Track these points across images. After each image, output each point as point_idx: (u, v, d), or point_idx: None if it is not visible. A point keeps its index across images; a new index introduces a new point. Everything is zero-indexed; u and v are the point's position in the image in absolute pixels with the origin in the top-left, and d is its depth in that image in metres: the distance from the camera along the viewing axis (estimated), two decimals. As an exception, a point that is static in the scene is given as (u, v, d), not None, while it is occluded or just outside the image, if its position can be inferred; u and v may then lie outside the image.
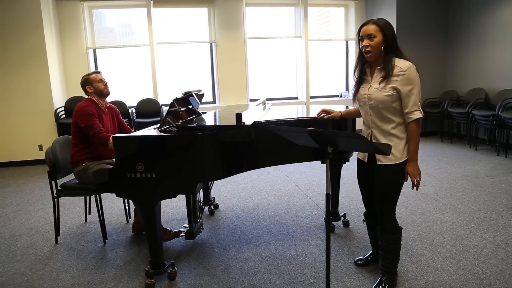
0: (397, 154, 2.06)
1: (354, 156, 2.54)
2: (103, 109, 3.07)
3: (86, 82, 3.03)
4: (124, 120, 3.36)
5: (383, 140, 2.07)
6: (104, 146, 2.88)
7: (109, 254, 2.87)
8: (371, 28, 2.00)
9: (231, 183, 4.56)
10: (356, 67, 2.19)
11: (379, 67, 2.05)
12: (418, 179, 2.06)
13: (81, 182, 2.97)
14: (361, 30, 2.05)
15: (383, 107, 2.03)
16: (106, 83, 3.07)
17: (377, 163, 2.12)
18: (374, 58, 2.05)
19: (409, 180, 2.09)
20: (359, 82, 2.17)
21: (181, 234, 3.04)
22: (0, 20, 5.63)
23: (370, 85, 2.09)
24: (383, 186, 2.12)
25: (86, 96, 3.05)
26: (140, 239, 3.11)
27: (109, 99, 3.17)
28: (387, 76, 1.99)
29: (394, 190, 2.12)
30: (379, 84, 2.03)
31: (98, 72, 3.09)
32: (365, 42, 2.01)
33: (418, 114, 2.00)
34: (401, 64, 1.99)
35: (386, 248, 2.19)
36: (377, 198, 2.16)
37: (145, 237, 2.50)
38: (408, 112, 2.00)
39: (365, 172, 2.26)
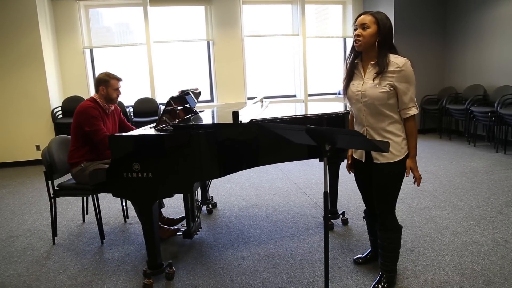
0: (395, 152, 2.03)
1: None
2: (107, 111, 2.99)
3: (105, 83, 2.90)
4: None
5: (379, 138, 2.04)
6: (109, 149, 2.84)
7: (107, 254, 2.85)
8: (367, 18, 1.96)
9: (229, 182, 4.54)
10: (347, 59, 2.13)
11: (372, 63, 2.00)
12: (419, 174, 2.05)
13: (78, 182, 2.95)
14: (357, 20, 2.01)
15: (379, 104, 1.99)
16: (120, 94, 2.99)
17: (374, 161, 2.08)
18: (362, 49, 2.00)
19: (410, 177, 2.07)
20: (349, 77, 2.12)
21: (178, 233, 3.02)
22: (-4, 20, 5.60)
23: (364, 81, 2.03)
24: (381, 185, 2.09)
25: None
26: (137, 239, 3.09)
27: None
28: (381, 71, 1.95)
29: (393, 188, 2.09)
30: (373, 80, 1.98)
31: (120, 80, 2.97)
32: (358, 31, 1.98)
33: (414, 110, 1.99)
34: (397, 60, 1.94)
35: (386, 247, 2.17)
36: (376, 197, 2.14)
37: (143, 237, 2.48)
38: (405, 108, 1.99)
39: (363, 172, 2.22)
